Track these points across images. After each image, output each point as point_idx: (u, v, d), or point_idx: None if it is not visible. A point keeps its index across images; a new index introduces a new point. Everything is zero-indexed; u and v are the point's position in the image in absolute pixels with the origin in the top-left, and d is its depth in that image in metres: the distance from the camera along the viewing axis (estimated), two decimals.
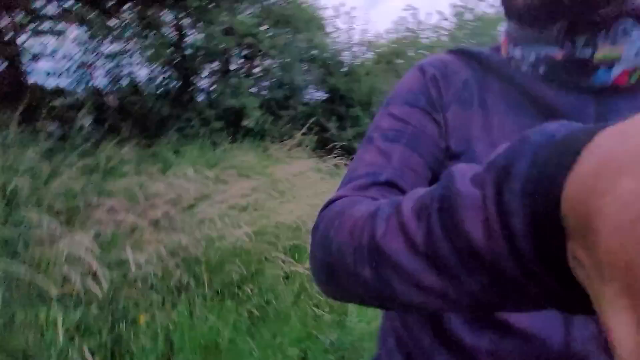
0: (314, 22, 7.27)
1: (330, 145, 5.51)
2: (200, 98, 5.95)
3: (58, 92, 5.37)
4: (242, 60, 6.54)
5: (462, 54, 0.43)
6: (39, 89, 5.09)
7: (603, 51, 0.30)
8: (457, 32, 12.40)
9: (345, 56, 7.44)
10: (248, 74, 6.32)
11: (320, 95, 7.11)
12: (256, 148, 4.97)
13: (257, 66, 6.67)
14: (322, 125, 6.20)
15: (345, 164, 4.93)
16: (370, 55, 7.82)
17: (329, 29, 7.78)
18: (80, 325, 1.23)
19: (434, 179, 0.39)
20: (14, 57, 4.11)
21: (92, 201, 1.84)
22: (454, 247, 0.19)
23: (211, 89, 6.06)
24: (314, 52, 7.04)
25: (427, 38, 13.00)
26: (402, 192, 0.36)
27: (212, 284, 1.71)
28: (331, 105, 6.63)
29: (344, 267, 0.27)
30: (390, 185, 0.36)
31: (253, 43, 5.75)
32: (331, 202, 0.35)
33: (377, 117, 0.43)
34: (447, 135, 0.39)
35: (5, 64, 4.52)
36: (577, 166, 0.13)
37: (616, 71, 0.30)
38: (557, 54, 0.32)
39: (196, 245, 1.74)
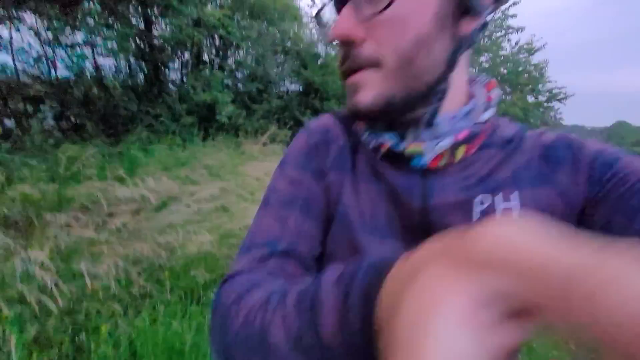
0: (289, 13, 7.16)
1: None
2: (170, 92, 5.79)
3: (16, 85, 5.08)
4: (214, 52, 6.39)
5: (341, 120, 0.47)
6: None
7: (411, 146, 0.38)
8: None
9: (320, 48, 7.41)
10: (220, 67, 6.20)
11: (294, 88, 7.08)
12: (229, 144, 4.94)
13: (229, 58, 6.55)
14: (296, 119, 6.22)
15: None
16: None
17: (304, 20, 7.69)
18: (39, 338, 1.25)
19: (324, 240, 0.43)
20: None
21: (51, 210, 1.83)
22: (318, 342, 0.24)
23: (181, 82, 5.91)
24: (289, 43, 6.97)
25: None
26: (299, 258, 0.40)
27: (176, 289, 1.75)
28: (306, 99, 6.63)
29: (238, 355, 0.29)
30: (288, 253, 0.39)
31: (224, 35, 5.63)
32: (231, 277, 0.37)
33: (274, 176, 0.46)
34: (328, 200, 0.44)
35: None
36: (379, 299, 0.20)
37: (425, 159, 0.38)
38: (385, 143, 0.39)
39: (159, 252, 1.77)
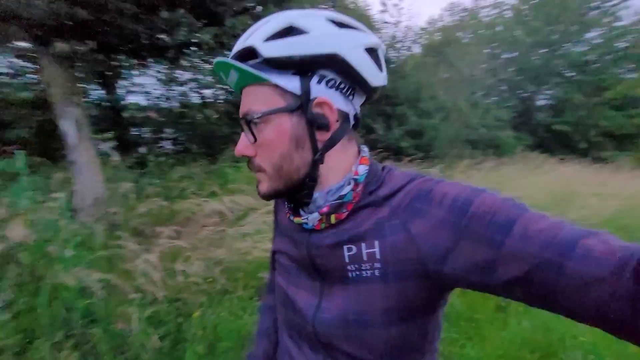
0: (362, 22, 7.35)
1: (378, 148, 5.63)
2: None
3: (146, 118, 6.51)
4: None
5: None
6: (131, 120, 6.25)
7: (296, 218, 0.54)
8: (522, 4, 11.14)
9: (391, 53, 7.39)
10: None
11: None
12: None
13: None
14: (368, 126, 6.35)
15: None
16: (416, 49, 7.59)
17: (376, 26, 7.78)
18: (153, 318, 1.76)
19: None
20: (115, 100, 5.12)
21: (163, 222, 2.43)
22: None
23: None
24: None
25: (487, 16, 11.93)
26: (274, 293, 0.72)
27: (248, 288, 2.14)
28: (376, 106, 6.70)
29: None
30: (269, 290, 0.76)
31: None
32: (265, 292, 0.79)
33: None
34: (274, 257, 0.67)
35: (107, 102, 5.67)
36: None
37: (309, 225, 0.53)
38: (288, 212, 0.57)
39: (236, 257, 2.18)
